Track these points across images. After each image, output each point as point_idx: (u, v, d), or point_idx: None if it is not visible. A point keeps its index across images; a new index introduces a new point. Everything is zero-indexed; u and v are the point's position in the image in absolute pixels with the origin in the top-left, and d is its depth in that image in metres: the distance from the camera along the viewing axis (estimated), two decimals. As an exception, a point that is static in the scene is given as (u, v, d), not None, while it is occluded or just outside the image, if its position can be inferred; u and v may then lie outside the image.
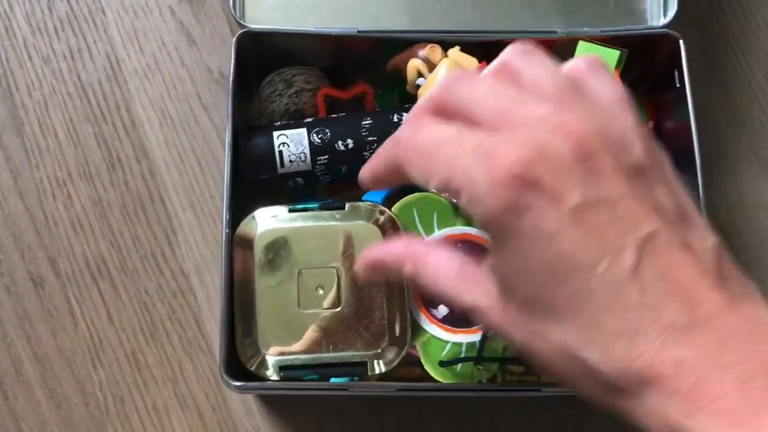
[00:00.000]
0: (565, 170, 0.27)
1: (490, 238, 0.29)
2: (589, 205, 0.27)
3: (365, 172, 0.36)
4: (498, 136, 0.28)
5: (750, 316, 0.27)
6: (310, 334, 0.46)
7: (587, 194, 0.27)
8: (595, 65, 0.32)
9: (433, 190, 0.39)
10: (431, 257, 0.34)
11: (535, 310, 0.29)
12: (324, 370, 0.46)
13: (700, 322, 0.27)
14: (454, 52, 0.53)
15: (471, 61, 0.52)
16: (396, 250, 0.36)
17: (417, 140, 0.31)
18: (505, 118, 0.29)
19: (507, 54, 0.32)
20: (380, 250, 0.37)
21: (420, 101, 0.33)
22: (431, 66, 0.52)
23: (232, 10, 0.54)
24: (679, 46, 0.52)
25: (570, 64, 0.32)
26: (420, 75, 0.53)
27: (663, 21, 0.55)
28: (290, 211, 0.48)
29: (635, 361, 0.27)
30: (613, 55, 0.51)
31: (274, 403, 0.56)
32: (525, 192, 0.27)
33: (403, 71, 0.53)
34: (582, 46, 0.52)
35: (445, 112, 0.31)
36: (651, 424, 0.27)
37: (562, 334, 0.28)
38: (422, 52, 0.52)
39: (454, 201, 0.48)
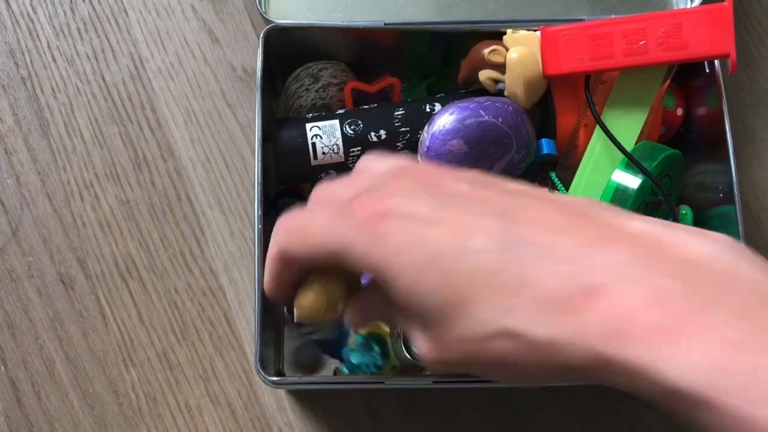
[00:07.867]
0: (410, 193, 0.30)
1: (381, 283, 0.30)
2: (440, 205, 0.29)
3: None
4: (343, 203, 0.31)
5: (639, 231, 0.28)
6: None
7: (435, 201, 0.30)
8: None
9: None
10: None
11: (452, 315, 0.28)
12: None
13: (607, 240, 0.27)
14: (513, 38, 0.50)
15: (531, 37, 0.50)
16: None
17: (292, 224, 0.33)
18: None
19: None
20: None
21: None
22: (497, 66, 0.50)
23: (258, 6, 0.54)
24: (707, 31, 0.52)
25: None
26: (496, 81, 0.51)
27: (690, 6, 0.55)
28: None
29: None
30: None
31: (305, 399, 0.56)
32: (383, 222, 0.29)
33: (475, 78, 0.52)
34: None
35: None
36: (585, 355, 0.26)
37: (480, 326, 0.28)
38: (485, 50, 0.50)
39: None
